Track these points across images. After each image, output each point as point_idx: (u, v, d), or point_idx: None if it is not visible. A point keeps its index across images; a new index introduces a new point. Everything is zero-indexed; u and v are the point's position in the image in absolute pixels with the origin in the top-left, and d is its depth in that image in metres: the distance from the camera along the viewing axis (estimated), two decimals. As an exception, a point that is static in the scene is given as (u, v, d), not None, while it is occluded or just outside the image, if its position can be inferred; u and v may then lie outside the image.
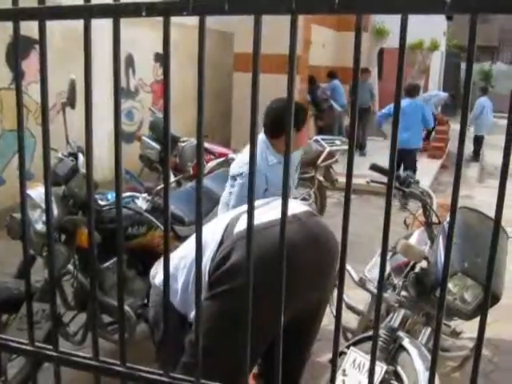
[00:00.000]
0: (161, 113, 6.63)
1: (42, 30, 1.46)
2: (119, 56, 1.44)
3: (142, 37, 7.78)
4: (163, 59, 1.41)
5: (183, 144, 5.55)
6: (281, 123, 3.10)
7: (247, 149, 3.01)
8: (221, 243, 2.05)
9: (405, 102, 8.46)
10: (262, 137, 3.30)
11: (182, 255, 2.17)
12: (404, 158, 8.54)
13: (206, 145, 5.43)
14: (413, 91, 9.05)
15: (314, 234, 2.12)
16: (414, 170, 8.96)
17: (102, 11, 1.41)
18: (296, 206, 2.20)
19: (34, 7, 1.43)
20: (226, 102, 9.98)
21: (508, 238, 2.60)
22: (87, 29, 1.42)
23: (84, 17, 1.41)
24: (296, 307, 1.99)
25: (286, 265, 1.91)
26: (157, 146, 5.49)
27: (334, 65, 12.59)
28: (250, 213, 1.34)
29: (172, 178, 4.99)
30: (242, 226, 2.01)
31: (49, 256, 1.58)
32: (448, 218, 2.56)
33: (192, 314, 2.07)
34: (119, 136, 1.48)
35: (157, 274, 2.30)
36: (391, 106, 8.43)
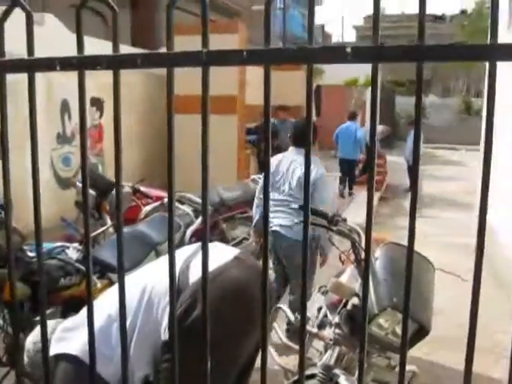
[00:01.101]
0: (95, 158, 6.58)
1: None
2: (35, 109, 1.44)
3: (76, 81, 7.73)
4: (79, 112, 1.43)
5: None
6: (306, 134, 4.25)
7: (295, 158, 3.34)
8: (178, 295, 1.85)
9: (345, 124, 12.22)
10: (298, 151, 4.53)
11: (112, 313, 1.91)
12: (345, 165, 12.05)
13: (143, 188, 5.40)
14: (352, 116, 12.48)
15: (258, 271, 2.12)
16: (353, 177, 12.41)
17: (17, 66, 1.42)
18: (230, 249, 2.21)
19: None
20: (166, 144, 9.91)
21: (435, 270, 2.67)
22: (1, 84, 1.42)
23: (-2, 72, 1.41)
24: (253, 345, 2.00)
25: (246, 307, 1.90)
26: (92, 191, 5.42)
27: (272, 103, 12.79)
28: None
29: (109, 223, 4.93)
30: (196, 274, 1.85)
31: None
32: (376, 254, 2.63)
33: (142, 373, 1.88)
34: (37, 187, 1.48)
35: (59, 341, 1.99)
36: (337, 131, 12.20)
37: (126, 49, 9.14)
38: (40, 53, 1.38)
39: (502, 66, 1.10)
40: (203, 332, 1.27)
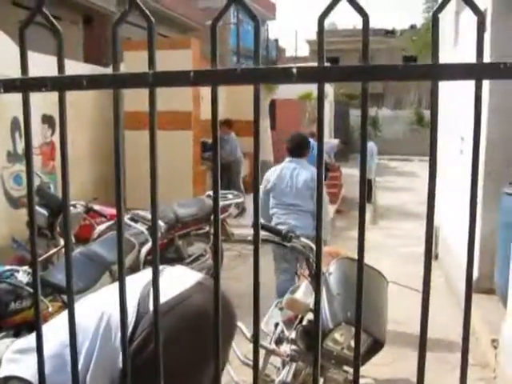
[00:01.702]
0: (48, 177, 6.44)
1: None
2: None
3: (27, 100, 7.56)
4: (24, 134, 1.40)
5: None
6: (302, 146, 5.39)
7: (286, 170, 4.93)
8: (136, 324, 1.76)
9: None
10: (296, 160, 5.27)
11: (63, 339, 1.76)
12: None
13: (96, 207, 5.29)
14: (309, 135, 12.71)
15: (222, 297, 2.06)
16: None
17: (-43, 89, 1.39)
18: (192, 273, 2.14)
19: None
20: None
21: (387, 283, 2.70)
22: None
23: None
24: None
25: (207, 337, 1.83)
26: (44, 211, 5.29)
27: (227, 118, 12.85)
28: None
29: (62, 244, 4.83)
30: None
31: None
32: (330, 269, 2.64)
33: None
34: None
35: (10, 362, 1.84)
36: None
37: (78, 65, 8.99)
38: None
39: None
40: (156, 364, 1.25)
